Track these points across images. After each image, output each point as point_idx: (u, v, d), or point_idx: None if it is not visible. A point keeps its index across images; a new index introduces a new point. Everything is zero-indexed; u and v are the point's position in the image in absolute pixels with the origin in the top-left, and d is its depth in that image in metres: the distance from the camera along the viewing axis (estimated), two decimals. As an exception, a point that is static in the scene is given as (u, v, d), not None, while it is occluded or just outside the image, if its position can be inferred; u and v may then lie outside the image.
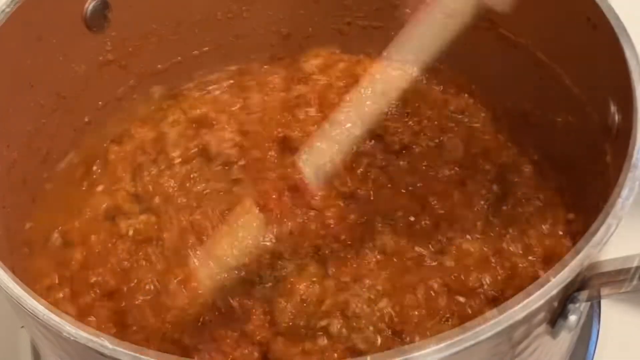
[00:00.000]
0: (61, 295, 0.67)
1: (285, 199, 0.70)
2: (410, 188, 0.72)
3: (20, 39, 0.64)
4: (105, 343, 0.44)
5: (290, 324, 0.62)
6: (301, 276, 0.65)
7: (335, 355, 0.60)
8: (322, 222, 0.69)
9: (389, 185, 0.72)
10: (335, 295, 0.64)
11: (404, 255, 0.67)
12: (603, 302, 0.73)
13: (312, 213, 0.70)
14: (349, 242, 0.68)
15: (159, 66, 0.79)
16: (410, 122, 0.76)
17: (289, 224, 0.69)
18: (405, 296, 0.63)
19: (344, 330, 0.62)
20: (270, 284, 0.65)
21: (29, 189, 0.69)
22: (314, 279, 0.65)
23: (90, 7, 0.69)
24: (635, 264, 0.47)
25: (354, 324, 0.62)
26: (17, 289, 0.47)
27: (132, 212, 0.72)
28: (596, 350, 0.71)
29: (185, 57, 0.80)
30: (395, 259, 0.67)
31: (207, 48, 0.81)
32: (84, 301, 0.67)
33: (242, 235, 0.64)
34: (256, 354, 0.62)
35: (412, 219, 0.69)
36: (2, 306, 0.65)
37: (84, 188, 0.75)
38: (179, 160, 0.75)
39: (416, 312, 0.63)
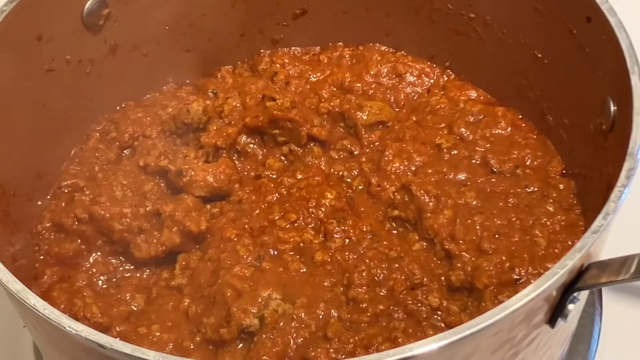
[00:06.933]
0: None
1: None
2: None
3: (19, 38, 0.64)
4: (105, 338, 0.44)
5: None
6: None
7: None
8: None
9: None
10: None
11: None
12: (604, 301, 0.73)
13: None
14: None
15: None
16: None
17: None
18: None
19: None
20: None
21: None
22: None
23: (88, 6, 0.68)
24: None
25: None
26: (18, 286, 0.47)
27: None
28: (598, 349, 0.71)
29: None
30: None
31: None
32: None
33: None
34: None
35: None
36: (4, 306, 0.65)
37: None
38: None
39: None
